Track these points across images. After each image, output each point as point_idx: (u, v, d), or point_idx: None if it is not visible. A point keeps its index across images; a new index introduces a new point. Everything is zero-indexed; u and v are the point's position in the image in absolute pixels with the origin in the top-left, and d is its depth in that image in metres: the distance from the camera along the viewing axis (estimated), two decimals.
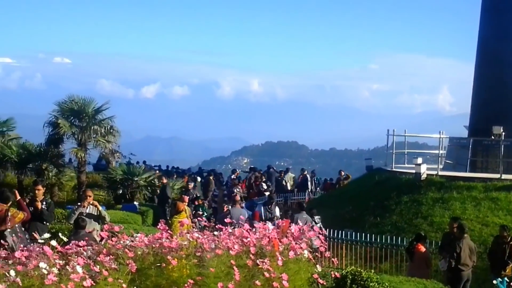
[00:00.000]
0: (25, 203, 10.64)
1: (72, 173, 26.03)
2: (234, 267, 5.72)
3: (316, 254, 7.14)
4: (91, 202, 11.66)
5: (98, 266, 5.10)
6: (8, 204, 9.80)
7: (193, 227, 6.94)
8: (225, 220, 7.50)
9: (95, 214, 11.65)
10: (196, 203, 21.00)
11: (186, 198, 15.46)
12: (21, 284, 4.40)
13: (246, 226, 6.60)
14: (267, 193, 23.41)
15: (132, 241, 6.01)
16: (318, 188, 30.22)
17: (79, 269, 4.79)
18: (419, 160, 21.57)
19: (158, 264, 5.83)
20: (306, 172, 30.11)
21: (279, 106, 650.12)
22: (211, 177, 28.86)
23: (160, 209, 21.64)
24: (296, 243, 6.53)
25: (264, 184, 26.02)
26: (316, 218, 15.86)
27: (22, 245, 5.72)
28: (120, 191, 23.94)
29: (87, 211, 11.60)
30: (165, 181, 23.40)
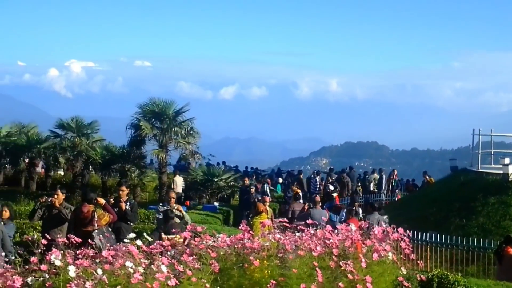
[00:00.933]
0: (110, 204, 10.91)
1: (153, 174, 26.56)
2: (317, 269, 5.65)
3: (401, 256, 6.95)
4: (174, 206, 11.78)
5: (181, 266, 5.13)
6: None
7: (275, 228, 6.90)
8: (307, 221, 7.42)
9: (179, 215, 11.80)
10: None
11: (268, 198, 15.38)
12: (107, 282, 4.46)
13: (328, 227, 6.52)
14: (334, 194, 22.78)
15: (215, 241, 6.02)
16: (397, 190, 29.50)
17: (164, 268, 4.83)
18: (507, 160, 20.77)
19: (241, 265, 5.81)
20: (383, 173, 29.51)
21: (358, 106, 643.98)
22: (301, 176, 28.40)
23: (243, 211, 21.58)
24: (379, 245, 6.38)
25: (331, 186, 25.52)
26: (384, 218, 15.49)
27: (109, 245, 5.83)
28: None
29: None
30: (247, 182, 23.19)
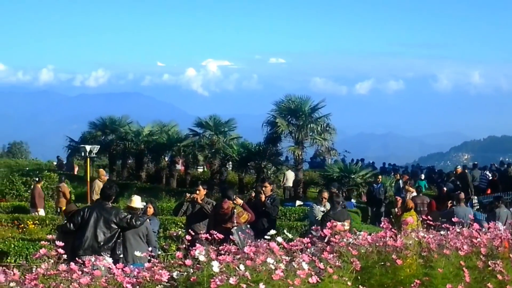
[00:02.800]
0: (251, 198, 11.11)
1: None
2: (464, 269, 5.40)
3: None
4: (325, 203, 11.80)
5: (322, 263, 5.07)
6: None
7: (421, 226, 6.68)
8: (453, 219, 7.10)
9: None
10: None
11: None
12: (250, 278, 4.48)
13: (476, 226, 6.21)
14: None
15: (355, 239, 5.91)
16: None
17: (305, 265, 4.79)
18: None
19: (382, 263, 5.67)
20: None
21: (503, 97, 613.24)
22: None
23: (373, 208, 21.28)
24: None
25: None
26: None
27: (250, 241, 5.87)
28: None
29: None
30: (380, 180, 22.80)
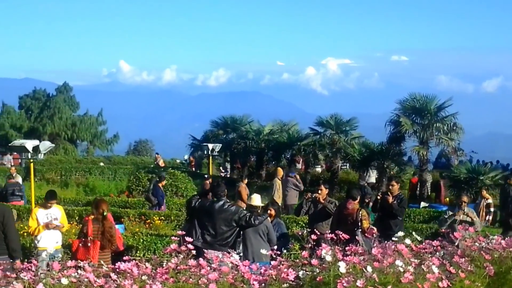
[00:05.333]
0: (377, 198, 10.93)
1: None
2: None
3: None
4: (466, 211, 11.39)
5: (453, 267, 4.88)
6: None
7: None
8: None
9: (467, 220, 11.29)
10: None
11: None
12: (377, 280, 4.38)
13: None
14: None
15: (488, 243, 5.65)
16: None
17: (435, 269, 4.63)
18: None
19: None
20: None
21: None
22: None
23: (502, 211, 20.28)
24: None
25: None
26: None
27: (375, 244, 5.75)
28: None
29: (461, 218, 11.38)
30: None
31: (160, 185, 19.05)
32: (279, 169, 20.67)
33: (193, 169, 35.59)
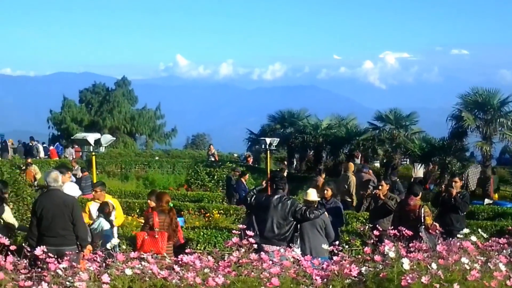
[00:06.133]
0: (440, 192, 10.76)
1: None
2: None
3: None
4: None
5: None
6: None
7: None
8: None
9: None
10: None
11: None
12: (443, 277, 4.29)
13: None
14: None
15: None
16: None
17: (502, 267, 4.50)
18: None
19: None
20: None
21: None
22: None
23: None
24: None
25: None
26: None
27: (441, 239, 5.65)
28: None
29: None
30: None
31: (243, 179, 19.28)
32: (351, 164, 20.38)
33: (250, 163, 35.68)
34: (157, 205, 9.51)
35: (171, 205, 9.55)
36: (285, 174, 18.63)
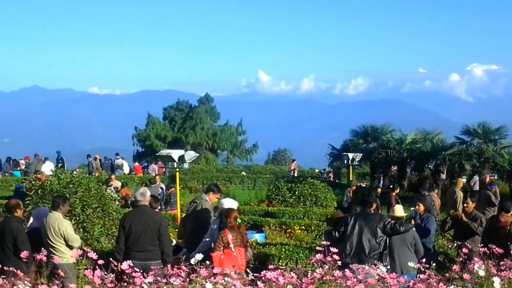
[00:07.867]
0: None
1: None
2: None
3: None
4: None
5: None
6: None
7: None
8: None
9: None
10: None
11: None
12: None
13: None
14: None
15: None
16: None
17: None
18: None
19: None
20: None
21: None
22: None
23: None
24: None
25: None
26: None
27: None
28: None
29: None
30: None
31: (350, 189, 20.11)
32: (460, 179, 19.82)
33: (331, 179, 35.43)
34: (226, 222, 9.34)
35: (239, 221, 9.49)
36: (378, 191, 18.49)
